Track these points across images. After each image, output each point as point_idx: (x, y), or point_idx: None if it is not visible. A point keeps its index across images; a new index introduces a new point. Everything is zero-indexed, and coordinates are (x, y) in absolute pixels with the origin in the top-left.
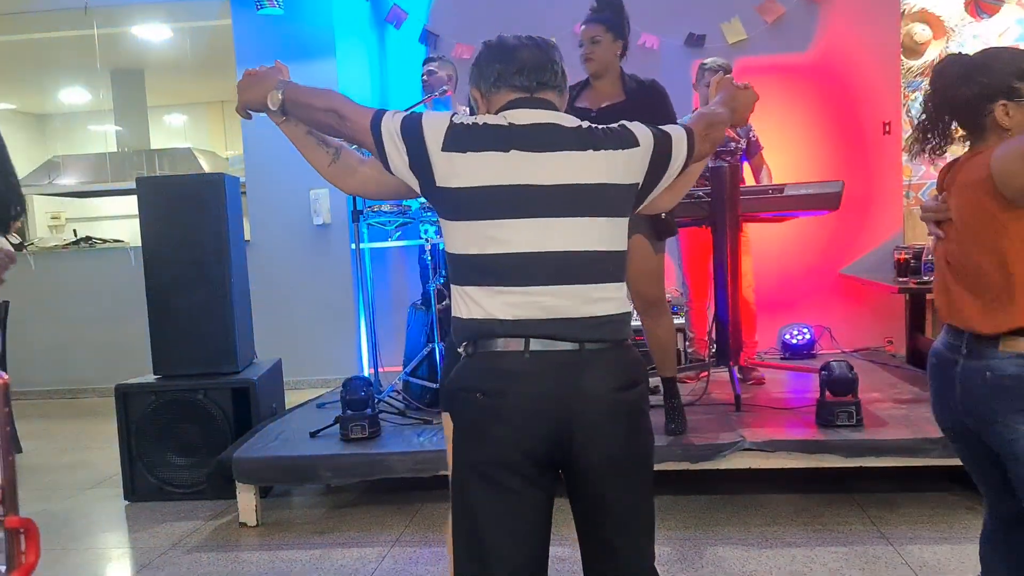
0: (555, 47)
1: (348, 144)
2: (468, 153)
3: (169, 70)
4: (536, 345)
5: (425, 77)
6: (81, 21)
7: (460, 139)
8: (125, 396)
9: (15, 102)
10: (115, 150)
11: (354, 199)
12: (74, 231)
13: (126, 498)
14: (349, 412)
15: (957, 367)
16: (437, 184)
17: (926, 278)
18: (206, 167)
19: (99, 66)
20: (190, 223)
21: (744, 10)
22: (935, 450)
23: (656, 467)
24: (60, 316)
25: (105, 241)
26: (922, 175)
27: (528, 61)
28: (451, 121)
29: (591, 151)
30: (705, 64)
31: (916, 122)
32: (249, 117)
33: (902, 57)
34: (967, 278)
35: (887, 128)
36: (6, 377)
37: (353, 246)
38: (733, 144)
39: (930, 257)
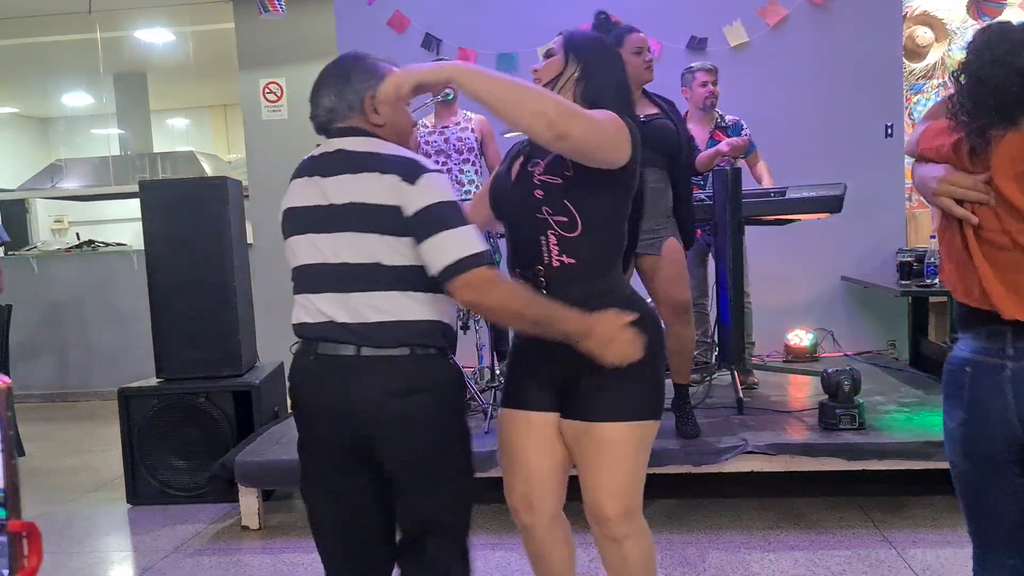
0: (344, 74)
1: None
2: (293, 180)
3: (171, 74)
4: (321, 348)
5: None
6: (84, 25)
7: (297, 168)
8: (127, 399)
9: (19, 106)
10: (118, 153)
11: None
12: (77, 234)
13: (128, 501)
14: None
15: (1005, 371)
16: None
17: (928, 281)
18: (208, 170)
19: (102, 70)
20: (193, 226)
21: (746, 13)
22: (938, 453)
23: (658, 470)
24: (63, 319)
25: (108, 244)
26: None
27: (312, 99)
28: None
29: (363, 173)
30: (692, 67)
31: (958, 100)
32: None
33: (904, 60)
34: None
35: (889, 131)
36: (8, 381)
37: None
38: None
39: (933, 259)
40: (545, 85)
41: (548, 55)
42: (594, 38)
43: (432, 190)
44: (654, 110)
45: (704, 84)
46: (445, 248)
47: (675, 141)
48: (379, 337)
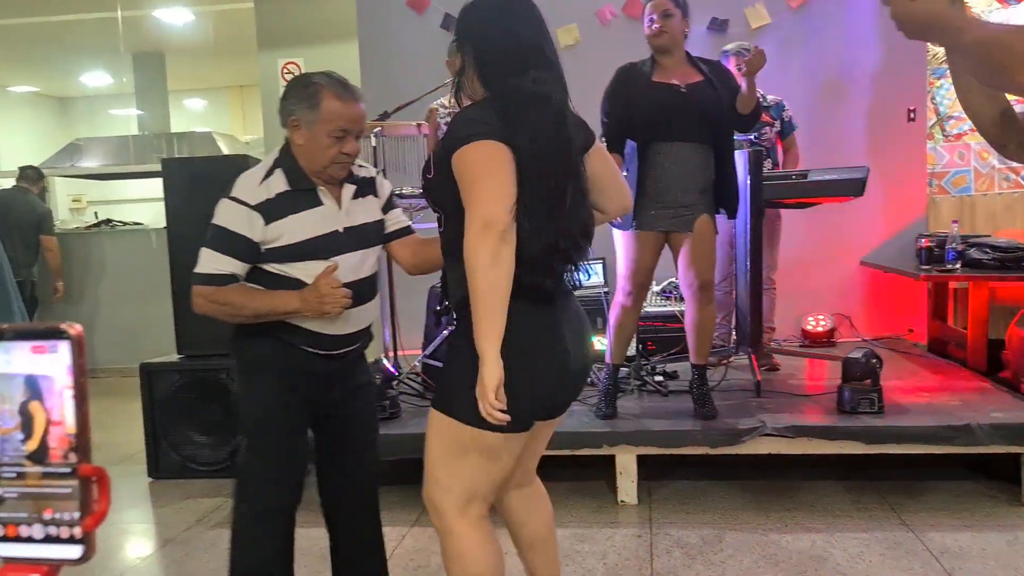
0: (286, 90)
1: None
2: None
3: (190, 54)
4: None
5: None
6: (104, 4)
7: None
8: (149, 375)
9: (39, 85)
10: (136, 133)
11: None
12: (95, 213)
13: (150, 475)
14: None
15: None
16: None
17: (949, 266)
18: (225, 150)
19: (122, 49)
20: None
21: None
22: (956, 437)
23: (676, 451)
24: (83, 296)
25: (126, 224)
26: (946, 163)
27: None
28: None
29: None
30: (727, 49)
31: None
32: None
33: (928, 43)
34: None
35: (912, 115)
36: (79, 328)
37: None
38: (767, 128)
39: (954, 245)
40: (454, 86)
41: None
42: (473, 5)
43: (214, 211)
44: (697, 77)
45: (738, 68)
46: None
47: (715, 111)
48: None
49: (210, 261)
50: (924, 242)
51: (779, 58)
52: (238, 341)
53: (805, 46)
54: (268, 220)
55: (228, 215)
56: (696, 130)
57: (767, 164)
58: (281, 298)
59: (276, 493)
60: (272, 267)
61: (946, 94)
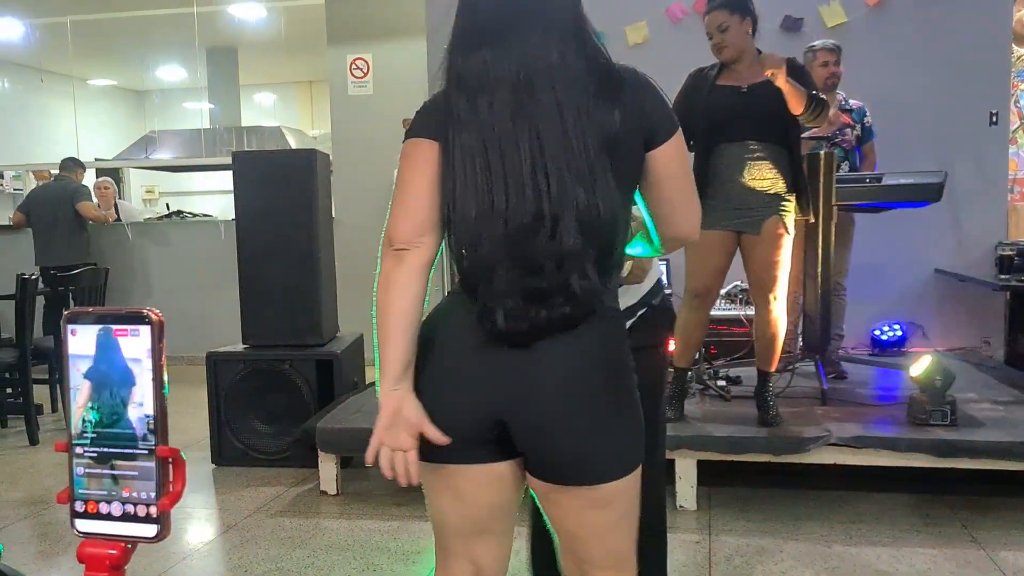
0: None
1: None
2: None
3: (261, 49)
4: None
5: None
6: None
7: None
8: (215, 363)
9: (117, 78)
10: (208, 127)
11: None
12: (167, 204)
13: (213, 462)
14: None
15: None
16: None
17: None
18: (293, 145)
19: (196, 44)
20: (282, 197)
21: None
22: None
23: (738, 458)
24: (153, 285)
25: (195, 215)
26: None
27: None
28: None
29: None
30: (814, 46)
31: None
32: None
33: (1012, 45)
34: None
35: (994, 118)
36: (160, 314)
37: None
38: (848, 129)
39: None
40: None
41: None
42: None
43: None
44: (764, 76)
45: (825, 64)
46: None
47: (779, 109)
48: None
49: None
50: (1003, 251)
51: (855, 58)
52: None
53: (883, 45)
54: None
55: None
56: (760, 130)
57: (845, 167)
58: None
59: None
60: None
61: None
